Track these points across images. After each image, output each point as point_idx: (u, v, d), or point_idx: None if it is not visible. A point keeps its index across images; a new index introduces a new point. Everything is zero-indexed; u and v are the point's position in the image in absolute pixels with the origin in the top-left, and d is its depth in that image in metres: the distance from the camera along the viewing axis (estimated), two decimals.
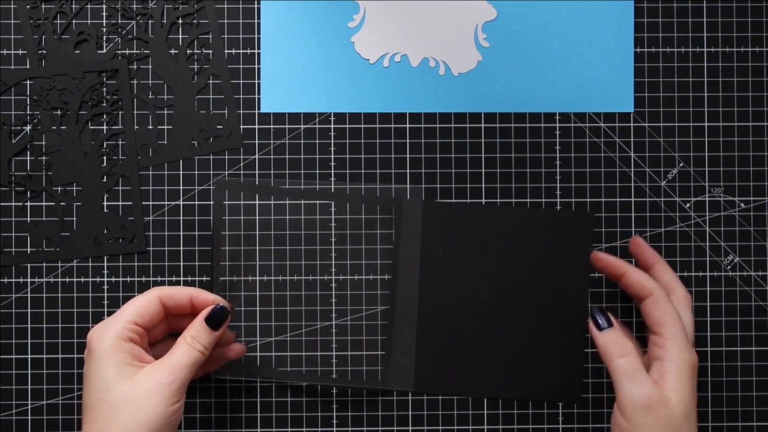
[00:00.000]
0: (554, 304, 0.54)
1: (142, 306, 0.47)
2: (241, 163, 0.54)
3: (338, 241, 0.54)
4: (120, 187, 0.54)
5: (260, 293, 0.54)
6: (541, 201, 0.55)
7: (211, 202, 0.54)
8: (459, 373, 0.54)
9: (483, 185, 0.55)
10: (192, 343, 0.47)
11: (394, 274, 0.54)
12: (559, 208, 0.54)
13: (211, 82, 0.54)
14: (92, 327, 0.48)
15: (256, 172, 0.54)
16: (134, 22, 0.54)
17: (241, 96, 0.55)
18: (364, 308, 0.54)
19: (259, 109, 0.55)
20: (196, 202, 0.54)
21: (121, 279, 0.54)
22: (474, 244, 0.54)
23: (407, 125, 0.55)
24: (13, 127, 0.54)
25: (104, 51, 0.54)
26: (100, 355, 0.45)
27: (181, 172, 0.54)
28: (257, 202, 0.54)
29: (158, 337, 0.50)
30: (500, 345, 0.54)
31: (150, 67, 0.54)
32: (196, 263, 0.54)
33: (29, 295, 0.54)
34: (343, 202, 0.54)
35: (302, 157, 0.54)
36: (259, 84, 0.55)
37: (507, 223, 0.54)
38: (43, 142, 0.54)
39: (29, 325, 0.54)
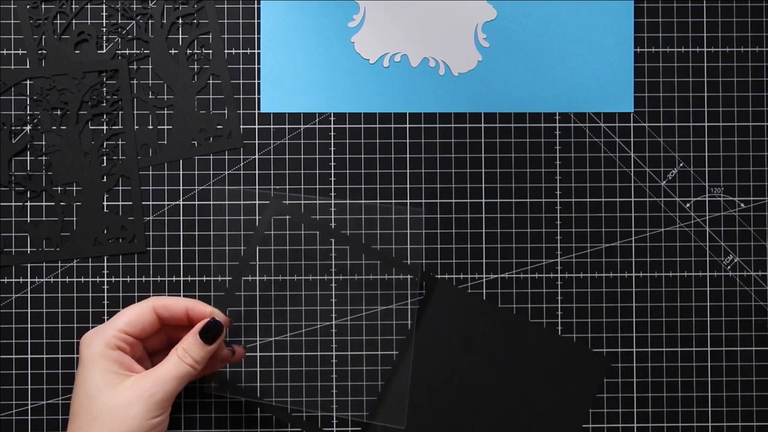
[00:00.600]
0: (544, 427, 0.53)
1: (134, 316, 0.46)
2: (241, 163, 0.54)
3: (338, 242, 0.54)
4: (120, 187, 0.54)
5: (260, 293, 0.54)
6: (541, 201, 0.55)
7: (254, 216, 0.54)
8: None
9: (483, 185, 0.55)
10: (183, 356, 0.45)
11: (408, 340, 0.54)
12: (574, 339, 0.54)
13: (211, 82, 0.54)
14: (89, 329, 0.47)
15: (256, 172, 0.54)
16: (134, 22, 0.54)
17: (241, 96, 0.55)
18: (364, 308, 0.54)
19: (259, 109, 0.55)
20: (196, 202, 0.54)
21: (121, 279, 0.54)
22: (480, 337, 0.54)
23: (407, 125, 0.55)
24: (13, 127, 0.54)
25: (104, 51, 0.54)
26: (87, 361, 0.45)
27: (181, 172, 0.54)
28: (257, 202, 0.54)
29: (157, 346, 0.49)
30: None
31: (150, 67, 0.54)
32: (196, 263, 0.54)
33: (29, 295, 0.54)
34: (371, 263, 0.54)
35: (302, 157, 0.54)
36: (259, 84, 0.55)
37: (517, 332, 0.53)
38: (43, 142, 0.54)
39: (29, 325, 0.54)
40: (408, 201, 0.54)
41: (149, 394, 0.44)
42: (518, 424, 0.53)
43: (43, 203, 0.54)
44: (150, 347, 0.49)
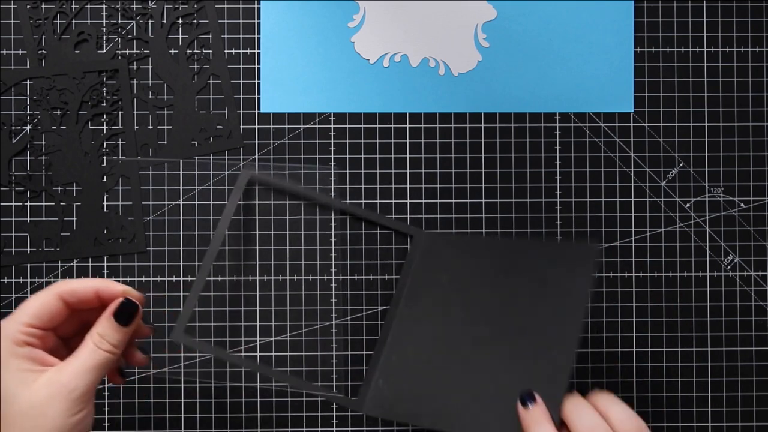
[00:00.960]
0: (541, 343, 0.47)
1: (38, 306, 0.42)
2: (241, 163, 0.54)
3: (338, 241, 0.54)
4: (120, 187, 0.54)
5: (260, 293, 0.54)
6: (541, 201, 0.55)
7: (228, 187, 0.54)
8: (428, 403, 0.50)
9: (483, 185, 0.55)
10: (99, 342, 0.42)
11: (396, 299, 0.53)
12: (559, 239, 0.53)
13: (211, 82, 0.54)
14: None
15: (256, 172, 0.54)
16: (134, 22, 0.54)
17: (241, 96, 0.55)
18: (364, 308, 0.54)
19: (259, 109, 0.55)
20: (196, 202, 0.54)
21: (121, 279, 0.54)
22: (464, 276, 0.51)
23: (407, 125, 0.55)
24: (13, 127, 0.54)
25: (104, 51, 0.54)
26: None
27: (181, 172, 0.54)
28: (257, 202, 0.54)
29: (70, 332, 0.45)
30: (478, 379, 0.49)
31: (150, 67, 0.54)
32: (196, 263, 0.54)
33: (29, 295, 0.54)
34: (358, 220, 0.54)
35: (302, 157, 0.54)
36: (259, 84, 0.55)
37: (503, 255, 0.50)
38: (43, 142, 0.54)
39: None
40: (408, 201, 0.54)
41: (68, 390, 0.40)
42: (520, 341, 0.48)
43: (43, 203, 0.54)
44: (63, 334, 0.44)
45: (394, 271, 0.54)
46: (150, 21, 0.54)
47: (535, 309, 0.48)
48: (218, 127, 0.54)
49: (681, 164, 0.55)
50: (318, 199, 0.54)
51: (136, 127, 0.54)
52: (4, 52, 0.54)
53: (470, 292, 0.51)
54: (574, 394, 0.44)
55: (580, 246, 0.48)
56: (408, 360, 0.51)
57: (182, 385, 0.53)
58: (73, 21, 0.54)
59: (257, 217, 0.54)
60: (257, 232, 0.54)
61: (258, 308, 0.54)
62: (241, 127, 0.54)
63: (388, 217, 0.54)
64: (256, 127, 0.54)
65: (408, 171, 0.55)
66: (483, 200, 0.55)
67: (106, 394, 0.53)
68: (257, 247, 0.54)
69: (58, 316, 0.42)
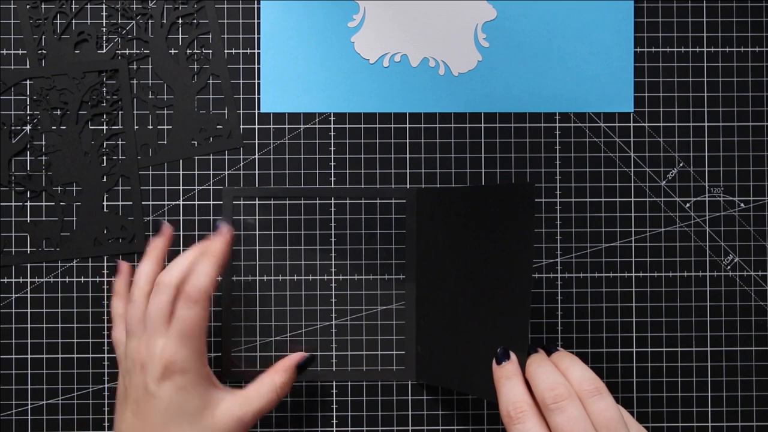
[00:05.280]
0: (501, 298, 0.46)
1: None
2: (241, 163, 0.54)
3: (338, 241, 0.54)
4: (120, 187, 0.54)
5: (260, 293, 0.54)
6: (541, 201, 0.55)
7: (218, 202, 0.54)
8: (457, 364, 0.50)
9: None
10: (281, 391, 0.49)
11: (409, 267, 0.54)
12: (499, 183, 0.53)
13: (211, 82, 0.55)
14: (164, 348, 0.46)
15: (256, 172, 0.54)
16: (134, 22, 0.54)
17: (241, 96, 0.55)
18: (364, 308, 0.54)
19: (259, 109, 0.55)
20: (196, 202, 0.54)
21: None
22: (450, 232, 0.51)
23: (407, 125, 0.55)
24: (13, 127, 0.54)
25: (104, 51, 0.54)
26: (184, 385, 0.46)
27: (181, 172, 0.54)
28: (257, 202, 0.54)
29: None
30: (456, 332, 0.50)
31: (150, 67, 0.54)
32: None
33: (29, 295, 0.54)
34: (353, 196, 0.54)
35: (302, 157, 0.55)
36: (259, 84, 0.55)
37: (465, 204, 0.49)
38: (43, 142, 0.54)
39: (29, 325, 0.54)
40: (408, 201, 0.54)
41: (245, 423, 0.47)
42: (486, 296, 0.48)
43: (43, 203, 0.54)
44: None
45: (394, 271, 0.54)
46: (150, 21, 0.54)
47: (491, 261, 0.47)
48: (218, 127, 0.54)
49: (681, 164, 0.55)
50: (308, 193, 0.54)
51: (136, 127, 0.54)
52: (4, 52, 0.54)
53: (454, 247, 0.50)
54: (539, 353, 0.45)
55: (518, 186, 0.46)
56: (432, 324, 0.52)
57: None
58: (73, 21, 0.54)
59: (257, 218, 0.54)
60: (257, 233, 0.54)
61: (258, 308, 0.54)
62: (241, 127, 0.54)
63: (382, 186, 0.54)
64: (256, 127, 0.54)
65: (408, 171, 0.55)
66: None
67: (106, 394, 0.53)
68: (257, 247, 0.54)
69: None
